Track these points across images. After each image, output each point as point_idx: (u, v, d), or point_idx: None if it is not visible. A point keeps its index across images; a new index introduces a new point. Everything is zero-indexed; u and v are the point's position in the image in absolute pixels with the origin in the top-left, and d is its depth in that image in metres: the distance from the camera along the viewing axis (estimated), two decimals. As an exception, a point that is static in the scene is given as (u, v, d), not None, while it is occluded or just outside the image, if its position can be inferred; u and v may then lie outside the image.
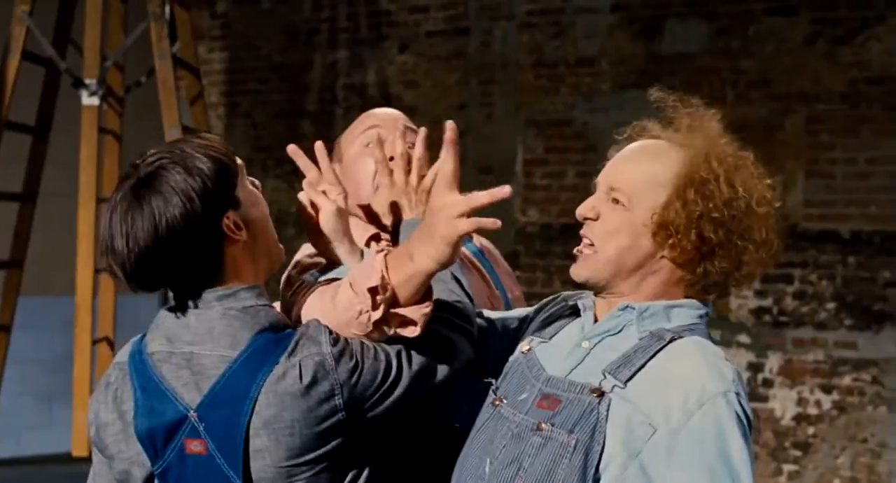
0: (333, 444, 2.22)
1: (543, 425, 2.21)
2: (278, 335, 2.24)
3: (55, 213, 7.01)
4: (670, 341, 2.22)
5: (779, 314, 7.66)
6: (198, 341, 2.24)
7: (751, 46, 7.76)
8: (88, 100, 5.95)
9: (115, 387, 2.33)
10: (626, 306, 2.27)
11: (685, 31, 7.97)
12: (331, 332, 2.22)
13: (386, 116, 3.03)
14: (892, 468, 7.28)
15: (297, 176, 9.47)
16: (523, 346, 2.41)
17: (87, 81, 5.96)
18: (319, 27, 9.61)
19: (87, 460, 7.53)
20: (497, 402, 2.34)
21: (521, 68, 8.65)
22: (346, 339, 2.23)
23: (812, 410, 7.57)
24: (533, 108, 8.53)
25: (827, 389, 7.51)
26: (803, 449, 7.58)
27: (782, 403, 7.63)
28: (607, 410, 2.16)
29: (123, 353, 2.37)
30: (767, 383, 7.66)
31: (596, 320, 2.34)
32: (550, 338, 2.39)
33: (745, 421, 2.16)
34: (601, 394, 2.18)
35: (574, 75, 8.40)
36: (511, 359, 2.44)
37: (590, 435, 2.16)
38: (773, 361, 7.68)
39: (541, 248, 8.47)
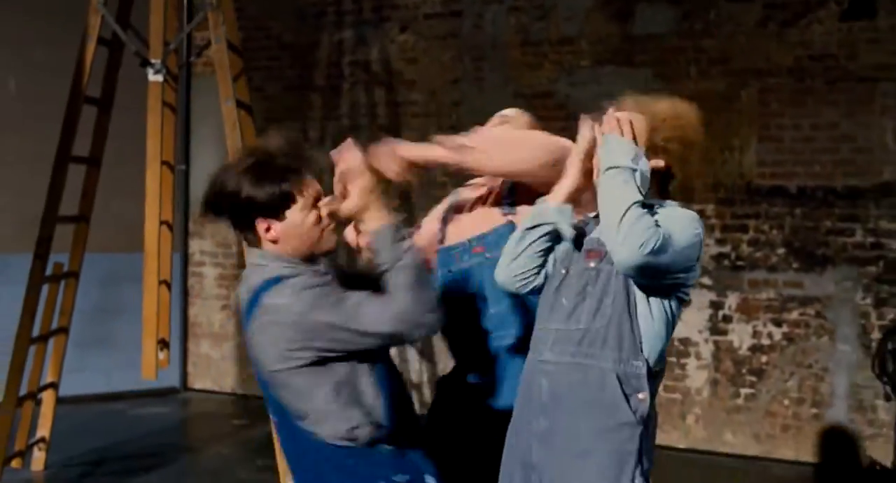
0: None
1: (593, 264, 3.49)
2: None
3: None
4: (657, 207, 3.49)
5: (736, 259, 8.50)
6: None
7: (711, 28, 8.63)
8: (154, 77, 6.96)
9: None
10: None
11: (654, 15, 8.85)
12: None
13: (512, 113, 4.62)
14: (833, 389, 8.20)
15: (305, 143, 10.31)
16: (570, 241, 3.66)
17: (153, 61, 7.00)
18: (326, 10, 10.35)
19: (134, 396, 8.60)
20: (567, 270, 3.59)
21: (509, 47, 9.46)
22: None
23: (765, 341, 8.42)
24: (520, 83, 9.34)
25: (778, 323, 8.38)
26: (758, 375, 8.46)
27: (739, 336, 8.52)
28: None
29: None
30: (727, 319, 8.55)
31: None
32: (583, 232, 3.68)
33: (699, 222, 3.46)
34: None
35: (557, 53, 9.24)
36: (565, 250, 3.68)
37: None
38: (732, 300, 8.55)
39: None
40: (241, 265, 10.78)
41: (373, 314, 3.32)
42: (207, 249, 11.07)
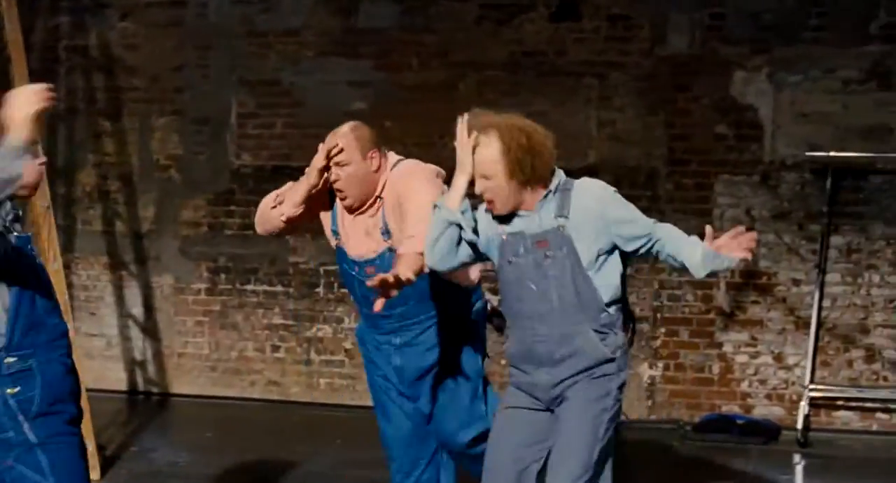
0: None
1: (548, 253, 4.79)
2: None
3: None
4: (569, 189, 4.87)
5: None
6: None
7: (431, 24, 10.09)
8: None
9: None
10: (545, 197, 4.88)
11: (376, 10, 10.25)
12: None
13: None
14: None
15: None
16: (501, 236, 4.93)
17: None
18: (40, -5, 11.07)
19: None
20: (510, 261, 4.87)
21: (234, 36, 10.61)
22: None
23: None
24: (245, 70, 10.54)
25: (494, 292, 9.97)
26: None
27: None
28: (567, 230, 4.79)
29: None
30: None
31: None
32: (509, 225, 4.93)
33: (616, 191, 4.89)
34: (560, 227, 4.80)
35: (282, 43, 10.48)
36: (496, 244, 4.95)
37: (570, 244, 4.78)
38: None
39: (254, 186, 10.46)
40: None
41: None
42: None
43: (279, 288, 10.65)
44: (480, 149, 4.96)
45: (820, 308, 9.36)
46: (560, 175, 5.01)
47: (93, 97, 11.15)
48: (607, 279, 4.92)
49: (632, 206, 4.99)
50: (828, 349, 9.50)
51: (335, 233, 5.88)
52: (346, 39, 10.39)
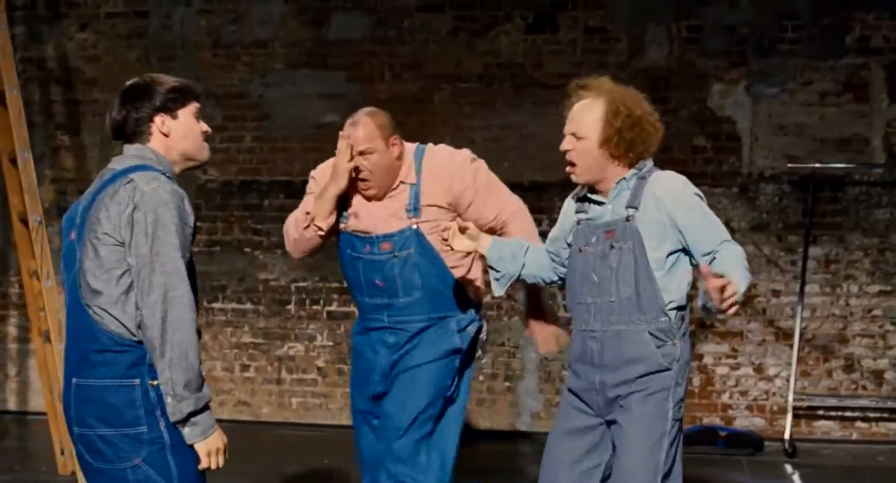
0: None
1: (614, 244, 4.78)
2: None
3: None
4: (645, 178, 4.81)
5: (435, 248, 10.36)
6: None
7: (405, 36, 10.47)
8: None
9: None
10: (620, 181, 4.81)
11: (349, 22, 10.58)
12: None
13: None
14: (524, 364, 10.20)
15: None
16: (574, 223, 4.97)
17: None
18: (-6, 5, 11.35)
19: None
20: (581, 249, 4.90)
21: (199, 47, 10.89)
22: None
23: (460, 323, 10.32)
24: (211, 83, 10.73)
25: (472, 306, 10.31)
26: (453, 354, 10.35)
27: (438, 319, 10.36)
28: (636, 222, 4.75)
29: None
30: (425, 304, 10.38)
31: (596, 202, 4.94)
32: (586, 213, 4.94)
33: (701, 194, 4.84)
34: (629, 217, 4.76)
35: (249, 55, 10.78)
36: (573, 231, 4.98)
37: (636, 237, 4.74)
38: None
39: (221, 201, 10.83)
40: None
41: (170, 268, 4.03)
42: None
43: (248, 305, 10.92)
44: (582, 107, 4.95)
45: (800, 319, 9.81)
46: (644, 164, 4.93)
47: (50, 110, 11.34)
48: (674, 281, 4.84)
49: (708, 214, 4.84)
50: (808, 359, 9.99)
51: (342, 216, 5.86)
52: (317, 51, 10.71)
